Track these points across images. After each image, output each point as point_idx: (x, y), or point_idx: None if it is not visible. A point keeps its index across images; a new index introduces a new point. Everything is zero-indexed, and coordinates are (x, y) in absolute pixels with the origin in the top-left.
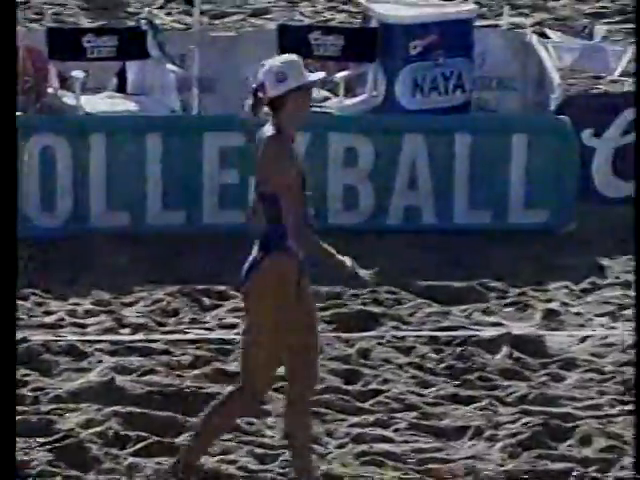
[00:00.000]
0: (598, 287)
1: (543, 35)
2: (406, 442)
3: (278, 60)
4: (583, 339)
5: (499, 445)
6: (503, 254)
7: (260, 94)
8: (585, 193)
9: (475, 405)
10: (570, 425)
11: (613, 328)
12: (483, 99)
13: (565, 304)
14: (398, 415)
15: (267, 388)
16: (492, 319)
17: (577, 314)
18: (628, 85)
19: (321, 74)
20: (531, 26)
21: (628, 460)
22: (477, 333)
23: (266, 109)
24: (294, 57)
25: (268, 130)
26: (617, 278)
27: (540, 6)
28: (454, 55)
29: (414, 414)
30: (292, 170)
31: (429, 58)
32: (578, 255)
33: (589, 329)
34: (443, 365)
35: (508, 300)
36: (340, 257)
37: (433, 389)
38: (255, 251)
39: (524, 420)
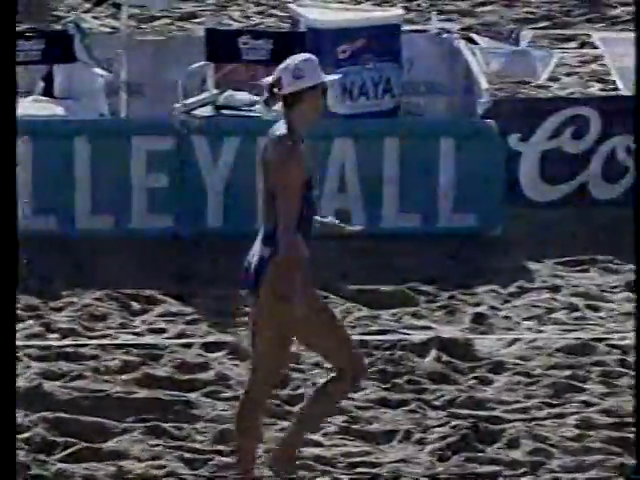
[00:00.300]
0: (525, 290)
1: (470, 40)
2: (335, 446)
3: (296, 58)
4: (511, 342)
5: (428, 448)
6: (432, 258)
7: (275, 89)
8: (512, 197)
9: (404, 409)
10: (498, 428)
11: (541, 331)
12: (412, 103)
13: (493, 307)
14: (327, 419)
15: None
16: (421, 323)
17: (505, 317)
18: (554, 90)
19: (337, 76)
20: (459, 31)
21: (555, 463)
22: (406, 337)
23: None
24: (312, 56)
25: (280, 128)
26: (544, 282)
27: (467, 11)
28: (383, 60)
29: (343, 418)
30: (297, 170)
31: (358, 63)
32: (506, 259)
33: (517, 332)
34: (372, 369)
35: (437, 304)
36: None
37: (362, 393)
38: (258, 249)
39: (453, 423)
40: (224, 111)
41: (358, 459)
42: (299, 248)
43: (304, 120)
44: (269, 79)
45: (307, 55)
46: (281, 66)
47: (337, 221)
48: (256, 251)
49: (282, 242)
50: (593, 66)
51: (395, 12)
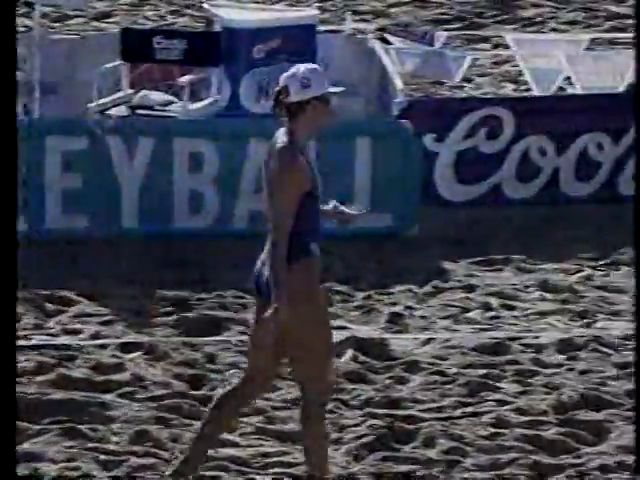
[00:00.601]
0: (441, 290)
1: (385, 41)
2: (251, 446)
3: (303, 66)
4: (426, 342)
5: (344, 448)
6: (348, 257)
7: (282, 97)
8: (428, 197)
9: None
10: (414, 427)
11: (456, 331)
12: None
13: (409, 307)
14: (244, 419)
15: (329, 393)
16: (337, 322)
17: (421, 317)
18: (468, 90)
19: (341, 88)
20: (373, 32)
21: (470, 461)
22: None
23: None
24: (317, 66)
25: (281, 137)
26: (459, 281)
27: (381, 12)
28: (298, 60)
29: (260, 418)
30: (296, 183)
31: (273, 62)
32: (421, 259)
33: (432, 332)
34: (289, 369)
35: (353, 303)
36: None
37: (278, 393)
38: (268, 257)
39: (369, 423)
40: (139, 111)
41: (274, 459)
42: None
43: (307, 130)
44: (184, 79)
45: (314, 65)
46: (287, 74)
47: (337, 204)
48: (266, 262)
49: (272, 254)
50: (506, 67)
51: (310, 12)
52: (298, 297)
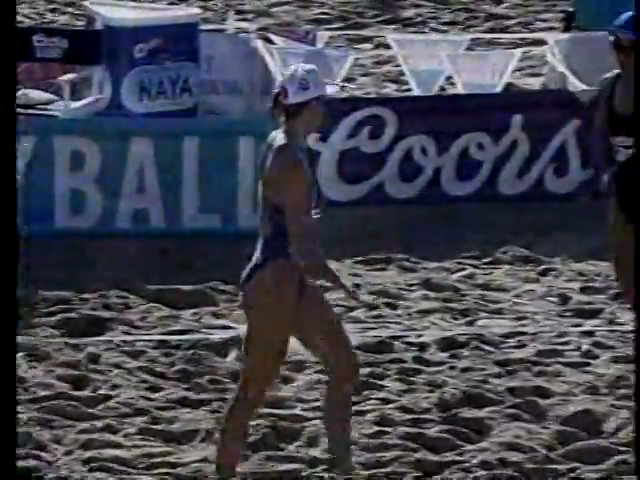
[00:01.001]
0: (324, 290)
1: (268, 40)
2: (136, 447)
3: (301, 67)
4: None
5: None
6: (233, 257)
7: (280, 98)
8: None
9: (205, 408)
10: (298, 426)
11: None
12: (210, 103)
13: None
14: (127, 420)
15: (263, 396)
16: (222, 322)
17: None
18: (350, 90)
19: (335, 87)
20: (256, 31)
21: (354, 459)
22: (207, 336)
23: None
24: (315, 66)
25: (278, 138)
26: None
27: (263, 11)
28: (180, 59)
29: (144, 419)
30: (303, 183)
31: (155, 62)
32: None
33: None
34: (173, 369)
35: (237, 303)
36: (342, 281)
37: (163, 393)
38: (257, 254)
39: (253, 422)
40: (19, 110)
41: (159, 459)
42: (321, 257)
43: (304, 130)
44: (65, 77)
45: (311, 65)
46: (287, 74)
47: None
48: (256, 255)
49: (305, 254)
50: (388, 67)
51: (192, 11)
52: (267, 296)
